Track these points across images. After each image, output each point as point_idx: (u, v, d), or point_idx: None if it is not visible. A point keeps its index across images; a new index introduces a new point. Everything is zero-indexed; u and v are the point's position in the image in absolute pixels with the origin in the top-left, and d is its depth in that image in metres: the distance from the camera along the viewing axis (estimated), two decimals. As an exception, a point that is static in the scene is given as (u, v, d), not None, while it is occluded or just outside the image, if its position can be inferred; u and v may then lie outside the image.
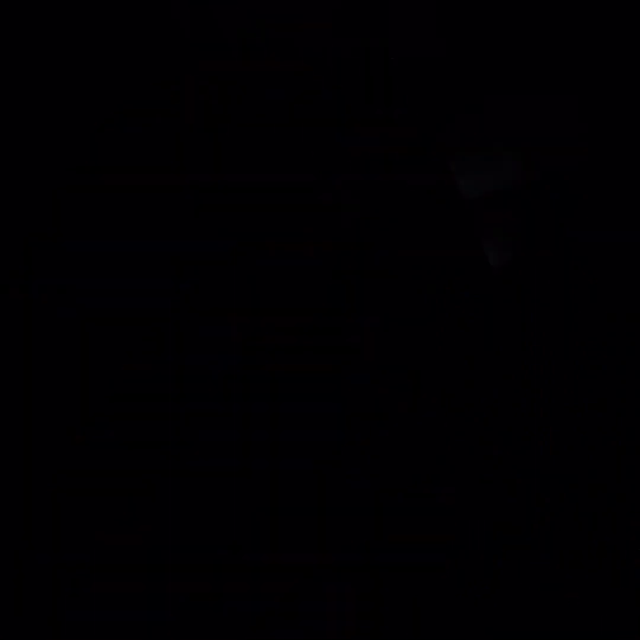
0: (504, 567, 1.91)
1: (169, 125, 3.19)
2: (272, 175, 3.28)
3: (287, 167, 3.28)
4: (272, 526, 2.25)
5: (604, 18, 2.93)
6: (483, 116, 3.00)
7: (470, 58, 3.06)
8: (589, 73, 2.97)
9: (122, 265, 3.27)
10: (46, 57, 3.12)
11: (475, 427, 2.88)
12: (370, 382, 2.96)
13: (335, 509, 2.57)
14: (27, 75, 3.14)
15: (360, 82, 3.18)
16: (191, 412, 3.10)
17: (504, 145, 2.97)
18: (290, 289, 3.17)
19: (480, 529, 2.25)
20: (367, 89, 3.18)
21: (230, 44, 3.17)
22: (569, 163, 2.70)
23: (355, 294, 3.13)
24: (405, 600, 1.62)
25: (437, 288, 3.08)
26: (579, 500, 2.55)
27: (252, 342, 3.05)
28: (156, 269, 3.23)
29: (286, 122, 3.20)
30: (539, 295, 2.95)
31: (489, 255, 2.99)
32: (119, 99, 3.19)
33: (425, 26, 3.03)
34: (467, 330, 2.89)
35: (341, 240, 3.19)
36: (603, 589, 1.70)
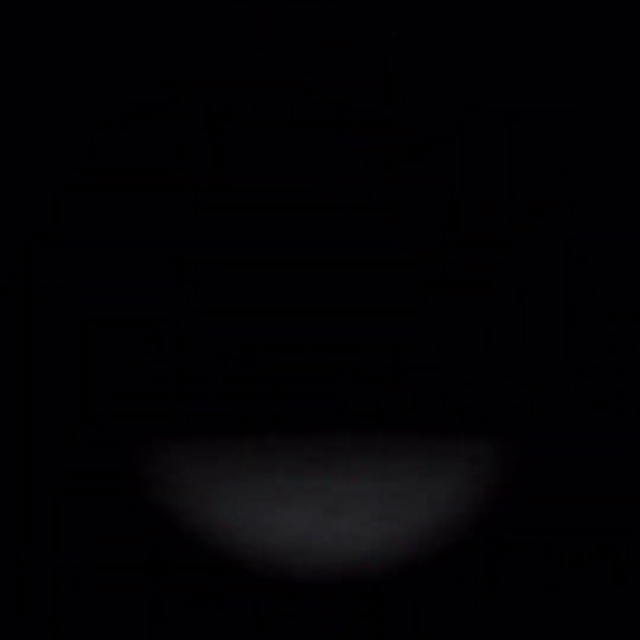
0: (504, 567, 1.92)
1: (169, 125, 3.19)
2: (272, 175, 3.28)
3: (287, 167, 3.28)
4: (271, 524, 2.24)
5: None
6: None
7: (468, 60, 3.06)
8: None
9: (122, 265, 3.27)
10: (47, 58, 3.12)
11: (475, 426, 2.88)
12: (370, 382, 2.95)
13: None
14: (27, 76, 3.15)
15: (360, 82, 3.18)
16: (191, 412, 3.09)
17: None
18: (291, 288, 3.17)
19: (480, 528, 2.25)
20: (367, 89, 3.18)
21: (232, 46, 3.18)
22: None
23: (354, 294, 3.12)
24: (405, 600, 1.62)
25: (437, 288, 3.08)
26: (578, 500, 2.54)
27: (252, 342, 3.05)
28: (156, 269, 3.23)
29: (286, 122, 3.20)
30: (539, 295, 2.95)
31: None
32: (119, 99, 3.19)
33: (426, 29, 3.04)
34: (468, 331, 2.89)
35: (340, 239, 3.18)
36: (603, 589, 1.70)
